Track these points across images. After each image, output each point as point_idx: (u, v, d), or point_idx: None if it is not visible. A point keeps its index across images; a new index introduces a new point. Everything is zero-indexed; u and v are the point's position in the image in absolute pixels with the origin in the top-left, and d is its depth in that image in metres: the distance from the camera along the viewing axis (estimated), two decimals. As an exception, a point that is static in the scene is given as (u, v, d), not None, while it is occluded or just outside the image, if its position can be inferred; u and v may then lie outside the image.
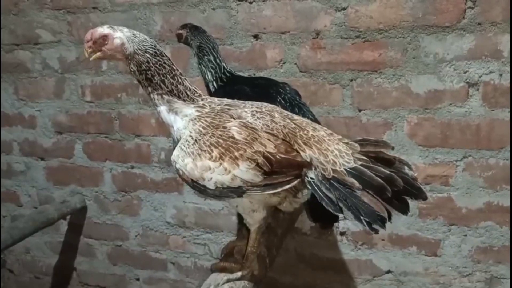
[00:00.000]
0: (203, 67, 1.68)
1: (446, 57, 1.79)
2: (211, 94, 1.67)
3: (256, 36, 2.01)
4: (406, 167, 1.19)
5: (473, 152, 1.84)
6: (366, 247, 2.09)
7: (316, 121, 1.51)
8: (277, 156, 1.19)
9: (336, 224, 2.03)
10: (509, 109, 1.76)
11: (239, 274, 1.35)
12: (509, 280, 1.92)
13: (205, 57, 1.67)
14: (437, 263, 2.00)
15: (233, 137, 1.19)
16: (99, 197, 2.47)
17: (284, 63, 1.99)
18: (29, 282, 2.82)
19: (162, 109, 1.27)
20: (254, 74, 2.02)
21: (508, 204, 1.84)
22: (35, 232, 2.21)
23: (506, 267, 1.91)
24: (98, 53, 1.22)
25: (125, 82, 2.24)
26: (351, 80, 1.91)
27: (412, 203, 1.14)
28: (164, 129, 2.22)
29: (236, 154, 1.18)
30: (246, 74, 2.01)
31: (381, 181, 1.14)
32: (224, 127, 1.21)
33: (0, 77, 2.46)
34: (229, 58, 1.98)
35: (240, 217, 2.20)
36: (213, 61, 1.67)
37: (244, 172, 1.18)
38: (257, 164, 1.18)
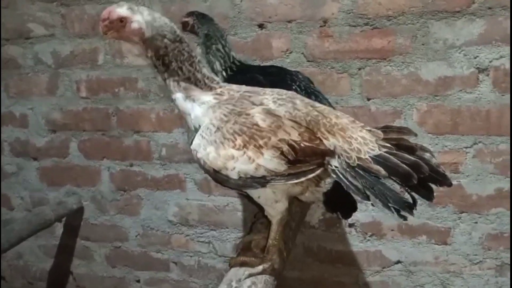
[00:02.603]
0: (211, 57, 1.63)
1: (456, 43, 1.77)
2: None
3: (261, 25, 1.96)
4: (428, 154, 1.17)
5: (483, 138, 1.83)
6: (375, 238, 2.06)
7: (332, 108, 1.48)
8: (301, 144, 1.15)
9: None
10: (519, 94, 1.76)
11: (260, 268, 1.30)
12: (520, 266, 1.92)
13: (213, 46, 1.62)
14: (447, 252, 1.98)
15: (257, 124, 1.15)
16: (97, 197, 2.38)
17: (290, 52, 1.95)
18: (21, 288, 2.72)
19: (179, 96, 1.22)
20: (260, 65, 1.97)
21: (520, 189, 1.84)
22: (31, 234, 2.12)
23: (517, 254, 1.91)
24: (114, 33, 1.16)
25: (123, 76, 2.16)
26: (360, 69, 1.88)
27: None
28: (165, 124, 2.16)
29: (261, 142, 1.14)
30: (252, 65, 1.97)
31: (407, 168, 1.12)
32: (247, 114, 1.16)
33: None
34: (233, 49, 1.91)
35: (247, 213, 2.17)
36: (222, 50, 1.61)
37: (268, 160, 1.14)
38: (282, 153, 1.14)
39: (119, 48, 2.12)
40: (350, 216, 1.50)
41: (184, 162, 2.17)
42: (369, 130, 1.22)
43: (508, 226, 1.89)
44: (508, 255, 1.92)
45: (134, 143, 2.23)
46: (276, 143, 1.14)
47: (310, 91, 1.47)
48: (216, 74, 1.62)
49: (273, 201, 1.26)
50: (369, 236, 2.06)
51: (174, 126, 2.15)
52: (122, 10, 1.15)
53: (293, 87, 1.46)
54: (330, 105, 1.49)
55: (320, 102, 1.45)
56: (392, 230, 2.02)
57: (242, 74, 1.57)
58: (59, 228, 2.50)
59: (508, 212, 1.88)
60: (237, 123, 1.14)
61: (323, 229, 2.11)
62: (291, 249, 1.58)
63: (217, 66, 1.62)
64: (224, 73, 1.61)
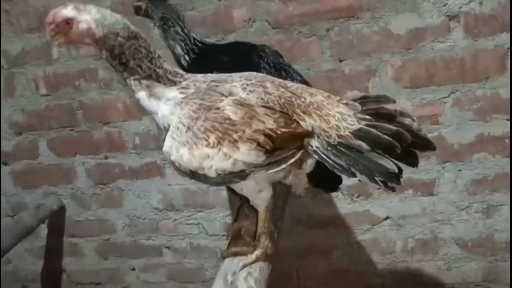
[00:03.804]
0: (170, 41, 1.53)
1: (424, -8, 1.70)
2: (184, 69, 1.53)
3: (219, -4, 1.85)
4: (408, 119, 1.14)
5: (460, 86, 1.80)
6: (363, 198, 2.06)
7: (305, 82, 1.42)
8: (278, 131, 1.10)
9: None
10: (492, 37, 1.71)
11: (253, 256, 1.28)
12: (506, 206, 1.94)
13: (171, 29, 1.51)
14: (434, 202, 2.00)
15: (229, 118, 1.08)
16: (76, 194, 2.31)
17: (253, 21, 1.85)
18: (16, 292, 2.68)
19: (142, 94, 1.14)
20: (223, 39, 1.87)
21: (500, 133, 1.83)
22: (15, 244, 2.05)
23: (502, 194, 1.92)
24: (62, 38, 1.07)
25: (81, 68, 2.04)
26: (328, 30, 1.80)
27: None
28: (133, 112, 2.07)
29: (235, 136, 1.08)
30: (214, 40, 1.86)
31: (389, 138, 1.10)
32: (217, 108, 1.09)
33: None
34: (193, 25, 1.77)
35: (233, 196, 2.13)
36: (181, 33, 1.51)
37: (245, 154, 1.08)
38: (258, 144, 1.09)
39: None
40: (336, 189, 1.47)
41: (159, 149, 2.06)
42: (346, 104, 1.18)
43: (491, 170, 1.90)
44: (494, 197, 1.94)
45: (105, 135, 2.14)
46: (251, 135, 1.08)
47: (279, 67, 1.40)
48: (178, 58, 1.54)
49: (257, 191, 1.22)
50: (356, 197, 2.05)
51: (143, 113, 2.04)
52: (67, 11, 1.05)
53: (261, 65, 1.39)
54: (302, 78, 1.43)
55: (291, 77, 1.39)
56: (378, 188, 2.00)
57: (206, 56, 1.48)
58: (43, 229, 2.44)
59: (491, 156, 1.88)
60: (208, 120, 1.08)
61: (309, 197, 2.09)
62: (281, 228, 1.56)
63: (178, 50, 1.52)
64: (186, 57, 1.52)
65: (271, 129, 1.10)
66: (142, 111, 2.00)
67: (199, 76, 1.19)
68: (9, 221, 2.13)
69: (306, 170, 1.23)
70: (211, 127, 1.07)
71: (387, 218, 2.07)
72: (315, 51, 1.83)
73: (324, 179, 1.42)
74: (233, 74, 1.21)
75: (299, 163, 1.20)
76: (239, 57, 1.42)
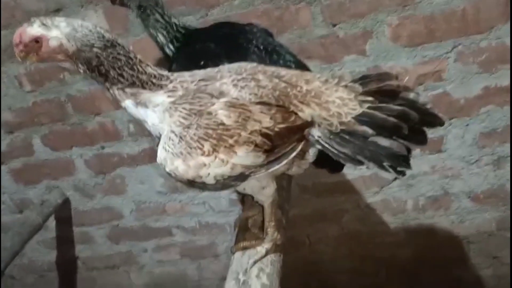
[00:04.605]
0: (151, 30, 1.43)
1: None
2: (169, 59, 1.44)
3: (197, -31, 1.71)
4: (412, 94, 1.07)
5: (463, 39, 1.69)
6: (369, 162, 2.00)
7: (299, 63, 1.33)
8: (276, 129, 1.04)
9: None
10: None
11: (263, 251, 1.25)
12: (516, 157, 1.89)
13: (150, 17, 1.41)
14: (443, 159, 1.95)
15: (222, 123, 1.01)
16: (78, 185, 2.27)
17: (237, -7, 1.72)
18: (34, 282, 2.72)
19: (128, 103, 1.07)
20: (207, 15, 1.75)
21: (507, 83, 1.75)
22: (25, 244, 2.04)
23: (512, 145, 1.87)
24: (34, 57, 0.99)
25: (64, 59, 1.94)
26: (317, -6, 1.68)
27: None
28: None
29: (231, 141, 1.01)
30: (197, 19, 1.74)
31: (395, 120, 1.03)
32: (209, 113, 1.02)
33: None
34: (173, 5, 1.68)
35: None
36: (161, 20, 1.41)
37: (243, 157, 1.03)
38: (256, 145, 1.03)
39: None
40: (341, 169, 1.42)
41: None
42: (346, 86, 1.10)
43: (500, 122, 1.84)
44: (503, 148, 1.89)
45: (99, 125, 2.07)
46: (248, 137, 1.02)
47: (270, 49, 1.30)
48: (162, 48, 1.44)
49: (260, 188, 1.17)
50: (362, 163, 2.00)
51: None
52: (33, 29, 0.96)
53: (251, 50, 1.29)
54: (296, 59, 1.33)
55: (284, 59, 1.30)
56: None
57: (191, 44, 1.38)
58: (51, 222, 2.42)
59: (498, 108, 1.81)
60: (200, 127, 1.01)
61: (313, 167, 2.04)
62: (288, 209, 1.53)
63: (161, 39, 1.42)
64: (170, 46, 1.42)
65: (268, 128, 1.03)
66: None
67: (186, 76, 1.10)
68: (15, 222, 2.09)
69: (310, 160, 1.18)
70: (205, 134, 1.01)
71: (395, 179, 2.03)
72: (306, 17, 1.71)
73: (328, 159, 1.37)
74: (221, 68, 1.13)
75: (302, 154, 1.14)
76: (226, 42, 1.32)
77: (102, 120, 2.05)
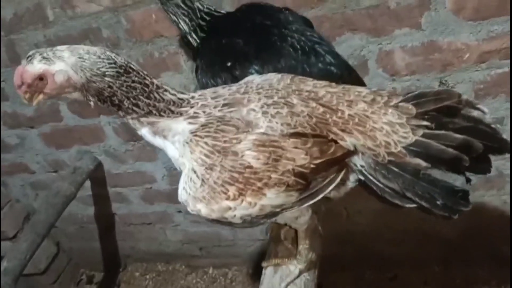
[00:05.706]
0: (172, 16, 1.25)
1: None
2: (194, 50, 1.27)
3: None
4: (476, 112, 0.89)
5: (539, 12, 1.42)
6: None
7: (341, 65, 1.13)
8: (311, 165, 0.90)
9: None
10: None
11: (296, 272, 1.19)
12: None
13: (170, 2, 1.22)
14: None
15: (250, 166, 0.88)
16: (109, 151, 2.22)
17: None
18: (75, 232, 2.80)
19: (144, 132, 0.97)
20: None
21: None
22: (59, 215, 2.05)
23: None
24: (40, 96, 0.90)
25: (83, 28, 1.79)
26: (367, -43, 1.41)
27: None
28: (149, 70, 1.74)
29: (259, 184, 0.89)
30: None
31: (454, 151, 0.88)
32: (235, 153, 0.89)
33: None
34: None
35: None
36: (182, 5, 1.22)
37: (273, 199, 0.91)
38: (288, 185, 0.90)
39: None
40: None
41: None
42: (397, 107, 0.93)
43: None
44: None
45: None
46: (279, 179, 0.89)
47: (308, 48, 1.11)
48: (185, 37, 1.27)
49: (294, 218, 1.06)
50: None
51: (160, 71, 1.84)
52: (34, 67, 0.84)
53: (285, 50, 1.10)
54: (339, 59, 1.13)
55: (323, 62, 1.11)
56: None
57: (217, 37, 1.19)
58: (87, 182, 2.42)
59: None
60: (225, 170, 0.88)
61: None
62: (324, 210, 1.42)
63: (183, 26, 1.25)
64: (194, 35, 1.25)
65: (302, 166, 0.90)
66: (157, 68, 1.82)
67: (209, 98, 0.96)
68: (49, 196, 2.08)
69: (351, 185, 1.04)
70: (230, 178, 0.88)
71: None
72: (352, -17, 1.46)
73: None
74: (249, 85, 0.98)
75: (342, 182, 1.01)
76: (257, 38, 1.13)
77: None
